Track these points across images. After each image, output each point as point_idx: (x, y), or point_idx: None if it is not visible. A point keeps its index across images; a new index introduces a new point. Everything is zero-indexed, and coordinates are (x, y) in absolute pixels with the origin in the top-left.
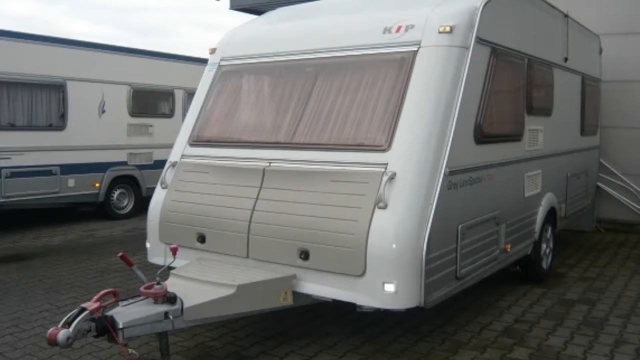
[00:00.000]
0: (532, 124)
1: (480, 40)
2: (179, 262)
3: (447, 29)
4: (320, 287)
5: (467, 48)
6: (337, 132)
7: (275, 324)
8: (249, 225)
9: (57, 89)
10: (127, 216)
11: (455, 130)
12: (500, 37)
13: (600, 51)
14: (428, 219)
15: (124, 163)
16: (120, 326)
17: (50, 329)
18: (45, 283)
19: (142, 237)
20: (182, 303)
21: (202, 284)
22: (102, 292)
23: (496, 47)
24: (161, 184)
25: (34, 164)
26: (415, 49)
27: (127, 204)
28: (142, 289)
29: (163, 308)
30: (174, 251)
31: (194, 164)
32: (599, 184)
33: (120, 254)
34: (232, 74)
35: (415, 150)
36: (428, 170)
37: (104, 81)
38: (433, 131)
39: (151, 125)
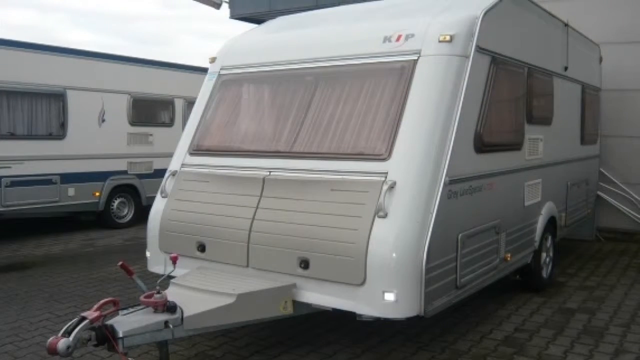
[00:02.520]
0: (532, 133)
1: (480, 49)
2: (179, 271)
3: (447, 38)
4: (320, 296)
5: (467, 57)
6: (337, 141)
7: (275, 333)
8: (249, 234)
9: (57, 98)
10: (127, 225)
11: (455, 139)
12: (500, 46)
13: (600, 60)
14: (428, 228)
15: (124, 172)
16: (120, 335)
17: (50, 338)
18: (45, 292)
19: (142, 246)
20: (182, 312)
21: (202, 293)
22: (102, 301)
23: (496, 56)
24: (161, 193)
25: (34, 173)
26: (415, 58)
27: (127, 213)
28: (142, 298)
29: (163, 317)
30: (174, 260)
31: (194, 173)
32: (599, 192)
33: (120, 263)
34: (232, 83)
35: (415, 159)
36: (428, 179)
37: (104, 90)
38: (433, 140)
39: (151, 135)
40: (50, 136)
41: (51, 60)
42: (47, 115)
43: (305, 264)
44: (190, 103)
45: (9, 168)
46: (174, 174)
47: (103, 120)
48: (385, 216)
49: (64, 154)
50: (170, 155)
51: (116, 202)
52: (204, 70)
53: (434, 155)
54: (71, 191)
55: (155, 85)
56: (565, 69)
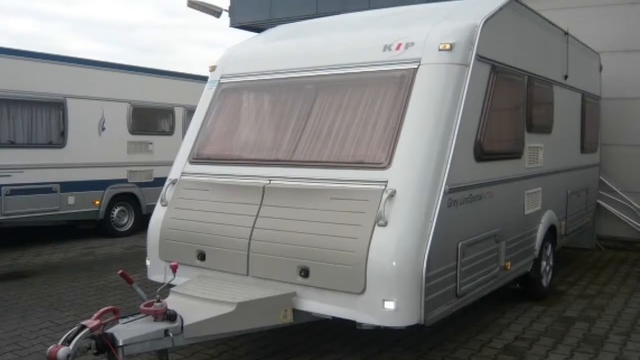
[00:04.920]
0: (532, 141)
1: (480, 58)
2: (179, 280)
3: (447, 46)
4: (320, 304)
5: (467, 65)
6: (337, 150)
7: (275, 342)
8: (249, 243)
9: (57, 107)
10: (127, 234)
11: (455, 147)
12: (500, 54)
13: (600, 68)
14: (428, 236)
15: (124, 180)
16: (121, 344)
17: (51, 347)
18: (45, 300)
19: (142, 254)
20: (182, 320)
21: (202, 301)
22: (102, 310)
23: (496, 65)
24: (161, 201)
25: (34, 181)
26: (416, 66)
27: (127, 222)
28: (142, 306)
29: (163, 325)
30: (174, 269)
31: (194, 181)
32: (599, 201)
33: (120, 271)
34: (232, 92)
35: (416, 167)
36: (428, 187)
37: (104, 99)
38: (433, 149)
39: (151, 143)
40: (50, 145)
41: (51, 68)
42: (47, 124)
43: (305, 272)
44: (190, 111)
45: (9, 177)
46: (174, 182)
47: (103, 129)
48: (385, 225)
49: (64, 162)
50: (170, 164)
51: (116, 211)
52: (204, 79)
53: (434, 163)
54: (71, 200)
55: (155, 93)
56: (565, 77)
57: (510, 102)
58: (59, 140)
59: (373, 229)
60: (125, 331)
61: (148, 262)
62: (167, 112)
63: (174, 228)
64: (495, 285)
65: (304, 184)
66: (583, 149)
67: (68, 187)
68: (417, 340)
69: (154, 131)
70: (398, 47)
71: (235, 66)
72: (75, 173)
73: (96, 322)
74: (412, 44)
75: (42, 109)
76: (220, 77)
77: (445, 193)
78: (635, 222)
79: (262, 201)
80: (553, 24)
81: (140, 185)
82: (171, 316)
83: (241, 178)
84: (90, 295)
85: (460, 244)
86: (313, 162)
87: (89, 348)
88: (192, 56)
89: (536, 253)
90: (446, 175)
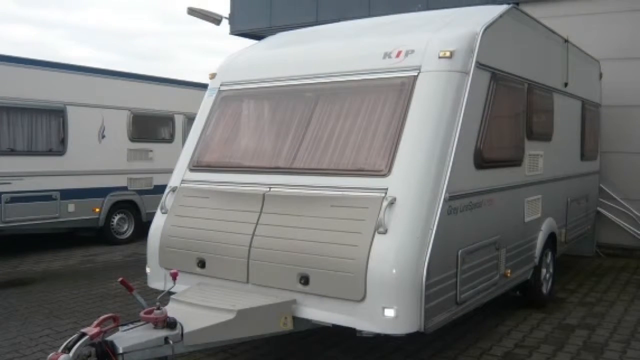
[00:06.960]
0: (532, 149)
1: (480, 65)
2: (179, 287)
3: (447, 54)
4: (320, 312)
5: (467, 73)
6: (337, 157)
7: (275, 349)
8: (249, 250)
9: (57, 114)
10: (127, 241)
11: (455, 155)
12: (500, 62)
13: (600, 76)
14: (428, 244)
15: (124, 188)
16: (121, 351)
17: (50, 354)
18: (45, 308)
19: (142, 262)
20: (182, 328)
21: (202, 309)
22: (102, 317)
23: (496, 72)
24: (161, 209)
25: (34, 189)
26: (415, 74)
27: (127, 229)
28: (142, 314)
29: (163, 333)
30: (174, 276)
31: (194, 189)
32: (599, 208)
33: (120, 279)
34: (232, 99)
35: (416, 175)
36: (428, 195)
37: (104, 106)
38: (433, 156)
39: (151, 150)
40: (50, 152)
41: (51, 76)
42: (47, 131)
43: (305, 280)
44: (190, 119)
45: (9, 184)
46: (174, 189)
47: (103, 136)
48: (385, 232)
49: (64, 170)
50: (170, 171)
51: (116, 218)
52: (204, 86)
53: (434, 171)
54: (71, 207)
55: (155, 101)
56: (565, 85)
57: (510, 109)
58: (59, 147)
59: (373, 237)
60: (125, 339)
61: (148, 270)
62: (167, 120)
63: (174, 235)
64: (495, 293)
65: (304, 192)
66: (583, 157)
67: (68, 194)
68: (417, 347)
69: (154, 139)
70: (398, 55)
71: (235, 74)
72: (75, 180)
73: (96, 330)
74: (412, 51)
75: (42, 116)
76: (220, 85)
77: (445, 200)
78: (635, 230)
79: (262, 209)
80: (553, 32)
81: (140, 192)
82: (171, 324)
83: (241, 185)
84: (90, 303)
85: (460, 252)
86: (313, 170)
87: (89, 355)
88: (192, 63)
89: (536, 260)
90: (446, 182)
